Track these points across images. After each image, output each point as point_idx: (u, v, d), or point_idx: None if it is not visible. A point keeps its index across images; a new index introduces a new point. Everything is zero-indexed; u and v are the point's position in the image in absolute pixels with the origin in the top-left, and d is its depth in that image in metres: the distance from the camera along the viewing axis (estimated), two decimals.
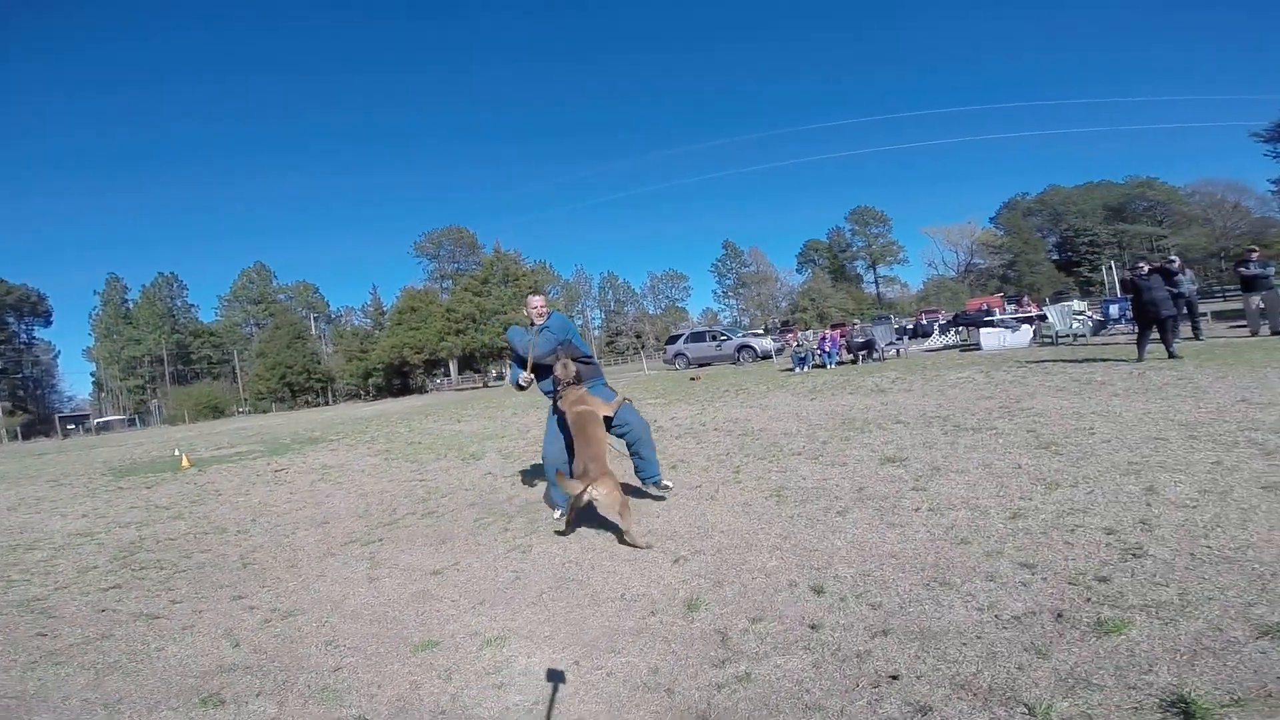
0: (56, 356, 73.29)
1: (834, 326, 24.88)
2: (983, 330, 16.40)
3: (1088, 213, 68.92)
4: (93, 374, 71.08)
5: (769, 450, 5.93)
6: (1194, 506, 3.15)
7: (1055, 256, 72.70)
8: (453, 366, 51.75)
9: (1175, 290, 10.43)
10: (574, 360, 4.45)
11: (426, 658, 2.67)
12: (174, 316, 70.58)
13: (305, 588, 3.77)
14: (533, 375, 4.63)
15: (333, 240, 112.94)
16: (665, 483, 4.73)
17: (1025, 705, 1.83)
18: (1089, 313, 16.74)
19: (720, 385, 13.82)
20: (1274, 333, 11.09)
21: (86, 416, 58.69)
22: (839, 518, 3.72)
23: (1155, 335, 9.09)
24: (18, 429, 49.21)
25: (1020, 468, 4.24)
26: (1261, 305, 11.55)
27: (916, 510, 3.65)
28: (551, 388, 4.52)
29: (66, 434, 47.11)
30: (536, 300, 4.72)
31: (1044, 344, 14.44)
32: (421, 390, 50.68)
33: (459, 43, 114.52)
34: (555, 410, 4.48)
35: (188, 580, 4.16)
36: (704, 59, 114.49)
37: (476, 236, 65.96)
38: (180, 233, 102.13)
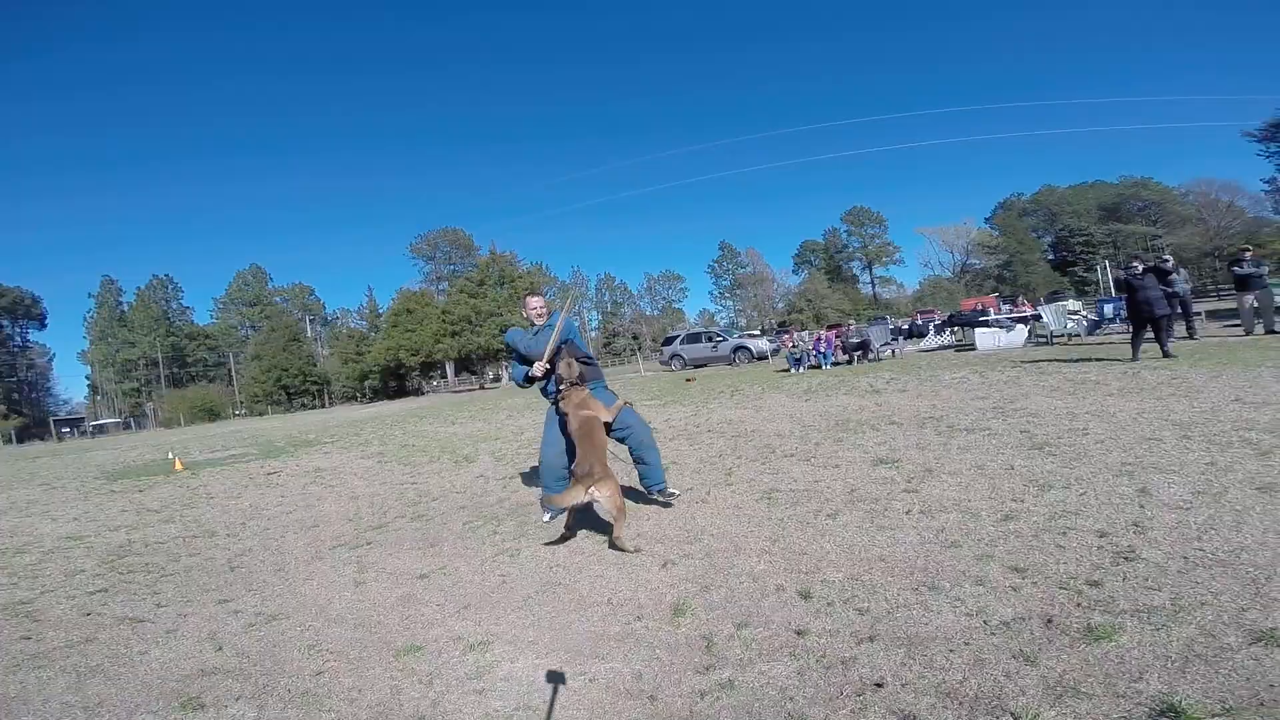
0: (51, 360, 73.09)
1: (830, 327, 24.90)
2: (978, 330, 16.44)
3: (1082, 213, 69.27)
4: (88, 377, 70.81)
5: (762, 452, 5.90)
6: (1187, 508, 3.12)
7: (1050, 256, 72.96)
8: (449, 368, 51.62)
9: (1170, 290, 10.44)
10: (576, 360, 4.38)
11: (409, 662, 2.64)
12: (169, 319, 70.32)
13: (291, 591, 3.74)
14: (549, 364, 4.35)
15: (328, 242, 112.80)
16: (671, 490, 4.53)
17: (1012, 714, 1.80)
18: (1084, 312, 16.75)
19: (715, 386, 13.80)
20: (1268, 332, 11.09)
21: (81, 420, 58.39)
22: (829, 520, 3.68)
23: (1150, 335, 9.09)
24: (12, 432, 48.96)
25: (1013, 469, 4.21)
26: (1255, 304, 11.55)
27: (908, 513, 3.62)
28: (553, 388, 4.43)
29: (61, 437, 46.90)
30: (535, 301, 4.63)
31: (1039, 344, 14.46)
32: (418, 392, 50.59)
33: (454, 44, 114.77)
34: (556, 411, 4.39)
35: (175, 584, 4.12)
36: (700, 61, 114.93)
37: (473, 238, 65.67)
38: (175, 235, 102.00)
